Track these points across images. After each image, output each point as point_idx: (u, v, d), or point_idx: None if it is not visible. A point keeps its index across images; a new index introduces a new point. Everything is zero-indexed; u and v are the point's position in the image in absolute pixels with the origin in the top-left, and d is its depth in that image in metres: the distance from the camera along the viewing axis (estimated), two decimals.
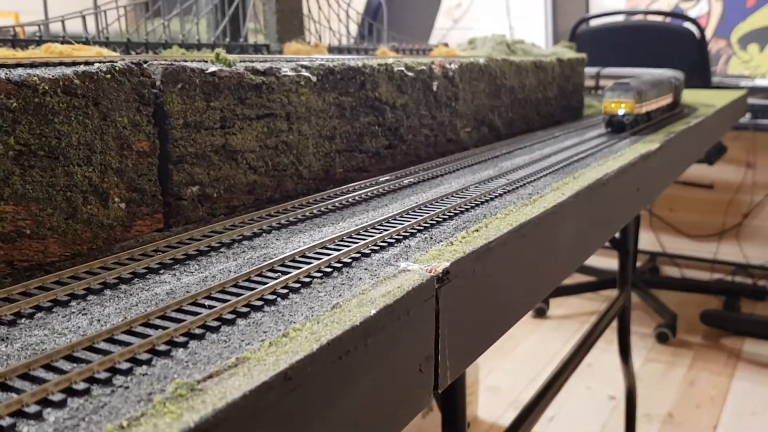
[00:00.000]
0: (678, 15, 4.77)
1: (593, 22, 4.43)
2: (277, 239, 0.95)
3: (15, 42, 1.27)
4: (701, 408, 3.47)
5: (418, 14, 4.30)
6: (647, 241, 5.06)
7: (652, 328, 4.21)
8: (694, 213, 4.97)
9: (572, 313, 4.55)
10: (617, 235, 2.96)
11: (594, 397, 3.57)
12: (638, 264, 4.94)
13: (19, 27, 1.39)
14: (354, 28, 2.13)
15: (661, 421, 3.36)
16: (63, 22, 1.40)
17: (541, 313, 4.50)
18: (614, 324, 2.91)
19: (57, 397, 0.53)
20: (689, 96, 2.87)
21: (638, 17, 4.95)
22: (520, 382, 3.60)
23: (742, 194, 4.81)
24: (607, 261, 4.36)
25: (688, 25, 4.02)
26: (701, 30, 3.92)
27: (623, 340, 3.00)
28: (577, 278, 4.60)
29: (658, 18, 4.84)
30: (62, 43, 1.15)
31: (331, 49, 1.82)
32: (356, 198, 1.17)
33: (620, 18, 4.83)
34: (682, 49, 3.92)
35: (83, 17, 1.44)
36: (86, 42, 1.32)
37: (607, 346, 3.34)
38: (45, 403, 0.53)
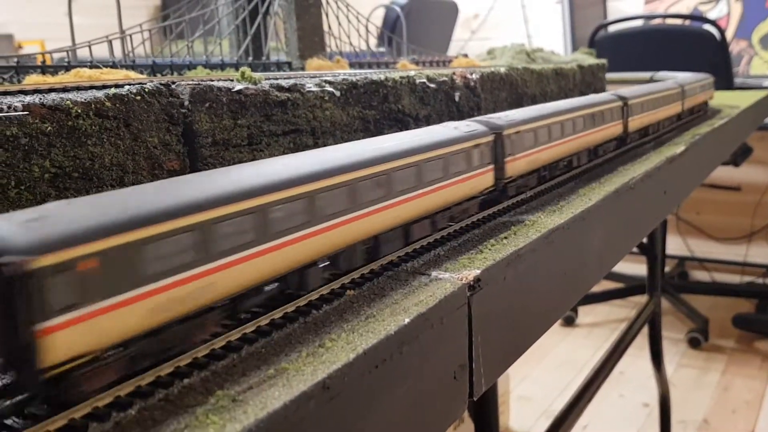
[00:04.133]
0: (697, 17, 4.74)
1: (612, 28, 4.42)
2: None
3: (44, 68, 1.30)
4: (737, 413, 3.41)
5: (435, 26, 4.32)
6: (675, 245, 5.00)
7: (684, 334, 4.15)
8: (721, 216, 4.91)
9: (601, 321, 4.51)
10: (645, 240, 2.94)
11: (627, 404, 3.53)
12: (667, 269, 4.89)
13: (47, 53, 1.42)
14: (373, 42, 2.15)
15: (697, 428, 3.31)
16: (90, 47, 1.43)
17: (570, 321, 4.47)
18: (645, 330, 2.88)
19: (102, 411, 0.54)
20: (713, 97, 2.85)
21: (657, 21, 4.92)
22: (552, 391, 3.57)
23: None
24: (635, 267, 4.32)
25: (708, 27, 3.99)
26: (721, 31, 3.89)
27: (655, 347, 2.97)
28: (605, 285, 4.56)
29: (678, 21, 4.81)
30: (90, 67, 1.18)
31: (352, 64, 1.84)
32: None
33: (639, 23, 4.81)
34: (703, 52, 3.89)
35: (110, 42, 1.46)
36: (113, 66, 1.34)
37: (638, 353, 3.29)
38: (90, 417, 0.54)
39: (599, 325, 4.45)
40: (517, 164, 1.16)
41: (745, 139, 3.48)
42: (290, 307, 0.72)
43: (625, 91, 1.73)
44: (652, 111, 1.87)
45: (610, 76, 2.67)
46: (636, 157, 1.64)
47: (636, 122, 1.74)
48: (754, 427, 3.29)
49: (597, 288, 4.45)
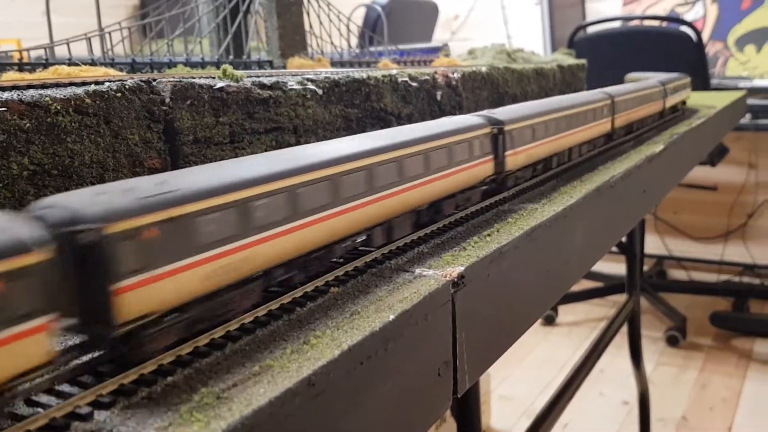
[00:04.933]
0: (674, 19, 4.79)
1: (590, 29, 4.45)
2: None
3: (22, 66, 1.29)
4: (714, 410, 3.45)
5: (416, 26, 4.33)
6: (653, 244, 5.05)
7: (662, 332, 4.19)
8: (698, 215, 4.96)
9: (581, 320, 4.54)
10: (624, 239, 2.96)
11: (607, 402, 3.55)
12: (645, 268, 4.93)
13: (24, 51, 1.40)
14: (354, 42, 2.15)
15: (676, 425, 3.34)
16: (68, 45, 1.41)
17: (550, 321, 4.49)
18: (624, 329, 2.90)
19: (84, 410, 0.54)
20: (690, 98, 2.88)
21: (635, 22, 4.97)
22: (533, 390, 3.59)
23: (745, 195, 4.81)
24: (614, 266, 4.36)
25: (684, 28, 4.04)
26: (698, 33, 3.93)
27: (634, 345, 2.99)
28: (585, 284, 4.59)
29: (655, 23, 4.86)
30: (69, 65, 1.17)
31: (334, 63, 1.84)
32: None
33: (617, 24, 4.85)
34: (680, 53, 3.93)
35: (88, 40, 1.45)
36: (92, 63, 1.33)
37: (618, 352, 3.32)
38: (72, 416, 0.53)
39: (579, 324, 4.48)
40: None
41: (722, 139, 3.53)
42: (274, 305, 0.72)
43: (503, 111, 1.24)
44: (553, 137, 1.37)
45: None
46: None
47: (522, 156, 1.24)
48: (732, 424, 3.32)
49: (577, 287, 4.47)
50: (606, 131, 1.67)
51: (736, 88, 3.89)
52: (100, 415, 0.54)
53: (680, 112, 2.50)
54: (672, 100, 2.35)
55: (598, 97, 1.61)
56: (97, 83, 0.90)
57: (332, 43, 1.93)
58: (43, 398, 0.55)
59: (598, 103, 1.60)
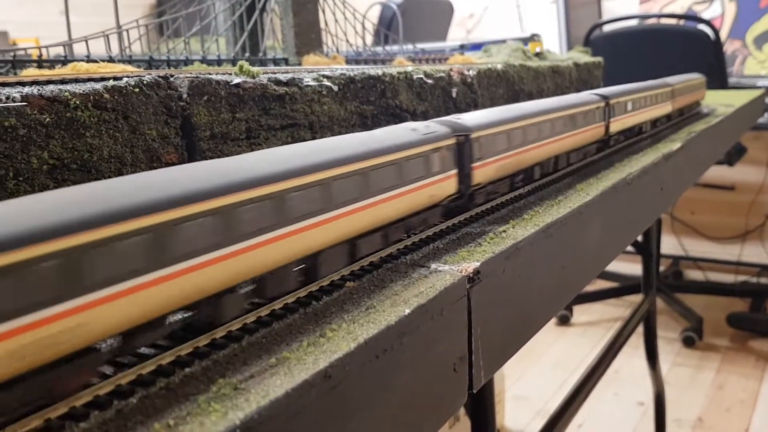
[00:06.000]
0: (692, 17, 4.75)
1: (606, 28, 4.43)
2: None
3: (41, 62, 1.30)
4: (731, 412, 3.42)
5: (431, 25, 4.33)
6: (670, 245, 5.02)
7: (678, 333, 4.16)
8: (716, 215, 4.92)
9: (596, 320, 4.52)
10: (640, 238, 2.94)
11: (622, 403, 3.54)
12: (661, 268, 4.90)
13: (43, 48, 1.41)
14: (370, 40, 2.15)
15: (692, 426, 3.31)
16: (87, 42, 1.42)
17: (565, 321, 4.47)
18: (640, 329, 2.88)
19: (103, 399, 0.54)
20: (708, 97, 2.86)
21: (652, 21, 4.94)
22: (547, 390, 3.58)
23: (764, 194, 4.76)
24: (630, 266, 4.33)
25: (702, 27, 4.01)
26: (716, 31, 3.90)
27: (650, 345, 2.97)
28: (601, 284, 4.57)
29: (672, 21, 4.83)
30: (87, 62, 1.17)
31: (349, 61, 1.84)
32: None
33: (634, 22, 4.82)
34: (698, 52, 3.90)
35: (106, 37, 1.46)
36: (110, 60, 1.34)
37: (633, 352, 3.31)
38: (92, 405, 0.54)
39: (594, 324, 4.46)
40: None
41: (739, 138, 3.50)
42: (290, 298, 0.72)
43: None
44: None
45: None
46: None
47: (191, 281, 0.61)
48: (749, 425, 3.30)
49: (592, 287, 4.46)
50: (452, 192, 1.02)
51: (755, 87, 3.86)
52: (119, 404, 0.54)
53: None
54: (624, 122, 1.64)
55: (433, 130, 0.97)
56: (115, 79, 0.91)
57: (348, 41, 1.93)
58: None
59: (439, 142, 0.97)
